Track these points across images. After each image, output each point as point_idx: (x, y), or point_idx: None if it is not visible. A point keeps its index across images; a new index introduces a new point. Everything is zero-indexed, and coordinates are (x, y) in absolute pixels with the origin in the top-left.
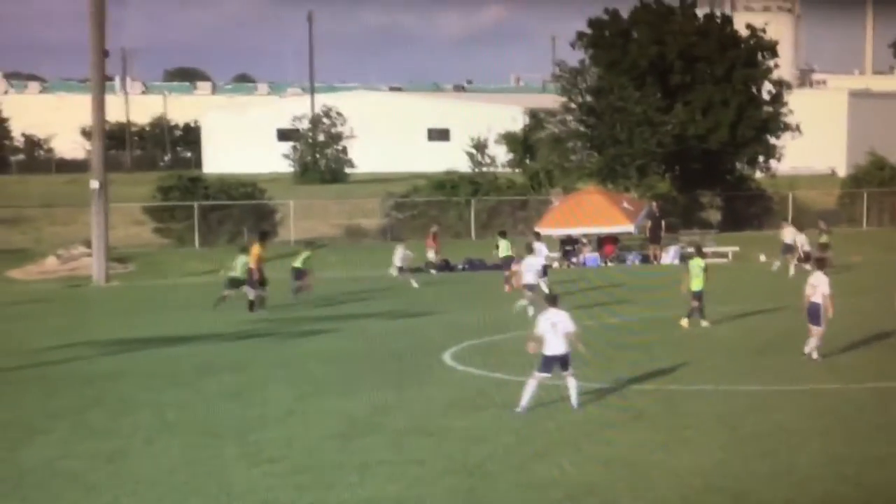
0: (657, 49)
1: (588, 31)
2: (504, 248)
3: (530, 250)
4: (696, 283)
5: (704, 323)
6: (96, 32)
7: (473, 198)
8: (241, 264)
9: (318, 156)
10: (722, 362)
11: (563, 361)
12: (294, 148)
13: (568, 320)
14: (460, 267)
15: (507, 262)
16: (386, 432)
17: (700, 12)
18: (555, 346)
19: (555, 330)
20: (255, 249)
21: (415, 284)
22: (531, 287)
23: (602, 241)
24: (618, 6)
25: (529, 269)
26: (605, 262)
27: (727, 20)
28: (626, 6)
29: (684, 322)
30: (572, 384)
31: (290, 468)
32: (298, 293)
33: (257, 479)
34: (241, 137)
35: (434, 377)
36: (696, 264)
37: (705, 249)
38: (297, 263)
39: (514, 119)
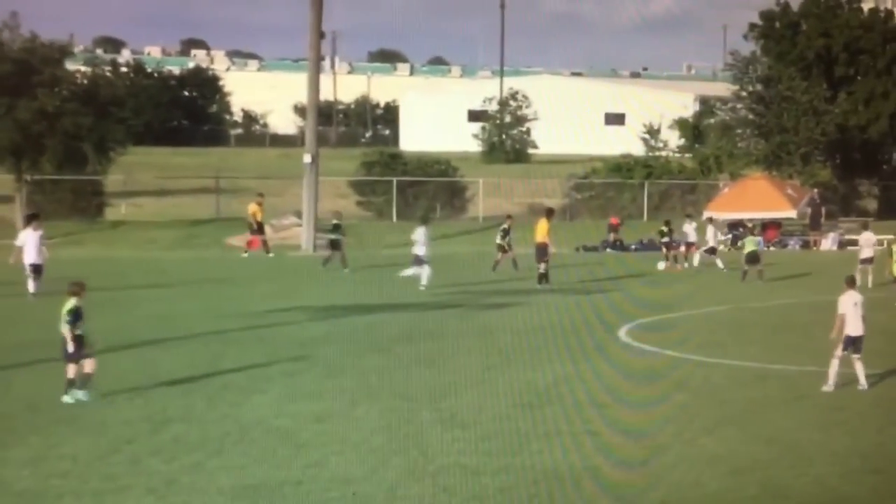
0: (824, 41)
1: (759, 22)
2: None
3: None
4: None
5: None
6: (315, 15)
7: (647, 181)
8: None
9: (504, 136)
10: (883, 346)
11: (857, 343)
12: (483, 128)
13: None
14: (633, 247)
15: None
16: (566, 403)
17: (865, 6)
18: (855, 326)
19: (856, 310)
20: (544, 224)
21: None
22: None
23: (766, 226)
24: None
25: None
26: (768, 247)
27: (890, 14)
28: None
29: None
30: (859, 367)
31: (479, 434)
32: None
33: (449, 444)
34: (435, 117)
35: (611, 352)
36: None
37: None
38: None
39: (685, 105)
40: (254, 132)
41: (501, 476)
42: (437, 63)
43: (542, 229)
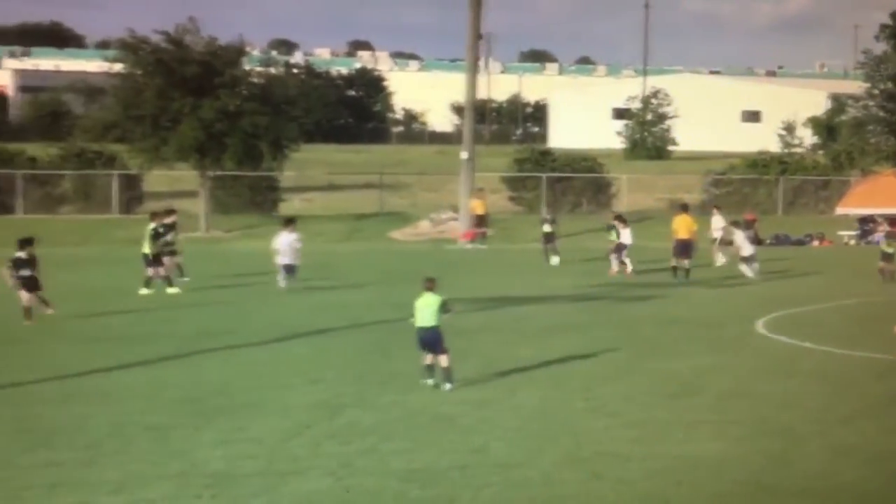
0: None
1: (890, 23)
2: None
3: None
4: None
5: None
6: (474, 17)
7: (782, 176)
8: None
9: (646, 134)
10: None
11: None
12: (626, 126)
13: None
14: (768, 241)
15: None
16: (708, 394)
17: None
18: None
19: None
20: (687, 220)
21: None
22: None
23: (893, 222)
24: None
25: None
26: None
27: None
28: None
29: None
30: None
31: (626, 422)
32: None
33: (600, 431)
34: (582, 114)
35: (749, 344)
36: None
37: None
38: None
39: (818, 103)
40: (414, 130)
41: (648, 462)
42: (584, 62)
43: (685, 225)
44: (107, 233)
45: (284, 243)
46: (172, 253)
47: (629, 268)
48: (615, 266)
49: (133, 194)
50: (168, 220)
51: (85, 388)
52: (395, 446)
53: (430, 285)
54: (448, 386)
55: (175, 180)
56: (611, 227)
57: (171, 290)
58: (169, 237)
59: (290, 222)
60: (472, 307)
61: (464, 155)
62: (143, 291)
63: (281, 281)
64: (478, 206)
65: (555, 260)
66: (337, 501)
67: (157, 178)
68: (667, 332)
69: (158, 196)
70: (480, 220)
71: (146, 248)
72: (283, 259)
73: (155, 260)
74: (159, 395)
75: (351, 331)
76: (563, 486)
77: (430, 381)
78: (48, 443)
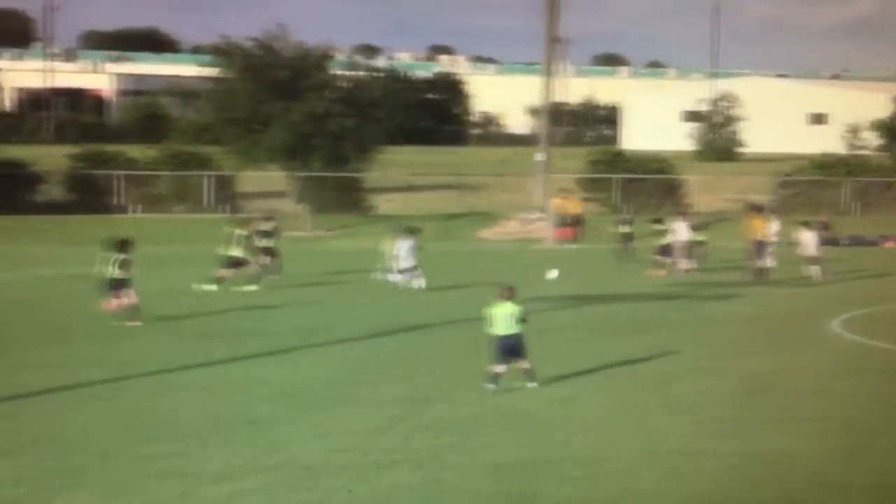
0: None
1: None
2: None
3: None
4: None
5: None
6: (550, 22)
7: (847, 178)
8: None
9: (715, 136)
10: None
11: None
12: (696, 128)
13: None
14: (845, 242)
15: None
16: (782, 392)
17: None
18: None
19: None
20: (760, 222)
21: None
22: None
23: None
24: None
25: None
26: None
27: None
28: None
29: None
30: None
31: (702, 419)
32: None
33: (677, 428)
34: (653, 117)
35: (824, 343)
36: None
37: None
38: None
39: (882, 106)
40: (491, 132)
41: (723, 459)
42: (655, 66)
43: (759, 226)
44: (200, 231)
45: (405, 248)
46: (271, 254)
47: (685, 265)
48: (684, 265)
49: (225, 194)
50: (266, 227)
51: (188, 382)
52: (481, 441)
53: (510, 294)
54: (533, 384)
55: (265, 181)
56: (658, 223)
57: (249, 288)
58: (267, 241)
59: (413, 231)
60: (556, 305)
61: (539, 156)
62: (207, 287)
63: (413, 282)
64: (573, 206)
65: (630, 258)
66: (427, 494)
67: (248, 179)
68: (743, 331)
69: (249, 196)
70: (576, 220)
71: (231, 251)
72: (403, 263)
73: (237, 263)
74: (259, 389)
75: (441, 328)
76: (640, 481)
77: (490, 387)
78: (155, 435)
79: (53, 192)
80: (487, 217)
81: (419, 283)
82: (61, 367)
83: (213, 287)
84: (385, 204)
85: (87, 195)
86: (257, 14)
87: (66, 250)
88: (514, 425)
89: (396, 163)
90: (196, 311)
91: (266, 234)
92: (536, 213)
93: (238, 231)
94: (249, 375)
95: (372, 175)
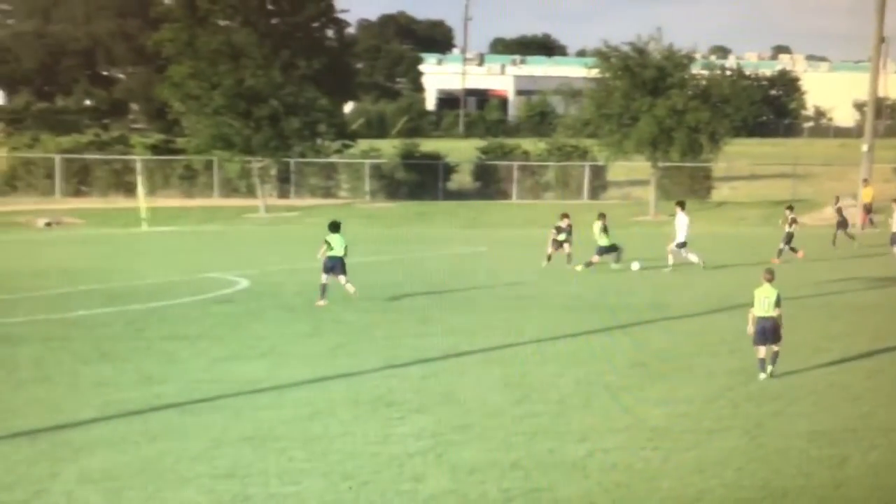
0: None
1: None
2: None
3: None
4: None
5: None
6: (879, 23)
7: None
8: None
9: None
10: None
11: None
12: None
13: None
14: None
15: None
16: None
17: None
18: None
19: None
20: None
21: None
22: None
23: None
24: None
25: None
26: None
27: None
28: None
29: None
30: None
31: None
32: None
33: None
34: None
35: None
36: None
37: None
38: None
39: None
40: (821, 125)
41: None
42: None
43: None
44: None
45: (682, 223)
46: (569, 243)
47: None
48: None
49: (599, 183)
50: (563, 223)
51: (557, 350)
52: (798, 410)
53: (770, 277)
54: (765, 374)
55: (631, 170)
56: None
57: (578, 268)
58: (564, 237)
59: (680, 204)
60: (867, 286)
61: (864, 147)
62: (578, 268)
63: (692, 258)
64: (866, 194)
65: None
66: (752, 458)
67: (617, 168)
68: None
69: (618, 185)
70: (867, 207)
71: (601, 241)
72: (679, 237)
73: (607, 250)
74: (615, 358)
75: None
76: None
77: (762, 375)
78: (528, 397)
79: (463, 180)
80: (811, 204)
81: (693, 258)
82: (471, 333)
83: (579, 268)
84: (727, 191)
85: (490, 183)
86: (635, 20)
87: (470, 232)
88: (825, 396)
89: (739, 154)
90: (567, 290)
91: (562, 231)
92: (849, 199)
93: (597, 223)
94: (608, 345)
95: (720, 165)
